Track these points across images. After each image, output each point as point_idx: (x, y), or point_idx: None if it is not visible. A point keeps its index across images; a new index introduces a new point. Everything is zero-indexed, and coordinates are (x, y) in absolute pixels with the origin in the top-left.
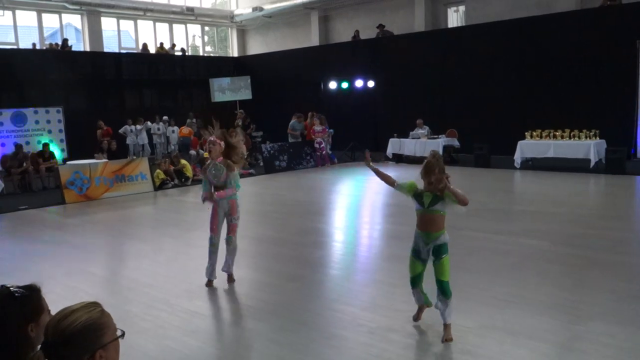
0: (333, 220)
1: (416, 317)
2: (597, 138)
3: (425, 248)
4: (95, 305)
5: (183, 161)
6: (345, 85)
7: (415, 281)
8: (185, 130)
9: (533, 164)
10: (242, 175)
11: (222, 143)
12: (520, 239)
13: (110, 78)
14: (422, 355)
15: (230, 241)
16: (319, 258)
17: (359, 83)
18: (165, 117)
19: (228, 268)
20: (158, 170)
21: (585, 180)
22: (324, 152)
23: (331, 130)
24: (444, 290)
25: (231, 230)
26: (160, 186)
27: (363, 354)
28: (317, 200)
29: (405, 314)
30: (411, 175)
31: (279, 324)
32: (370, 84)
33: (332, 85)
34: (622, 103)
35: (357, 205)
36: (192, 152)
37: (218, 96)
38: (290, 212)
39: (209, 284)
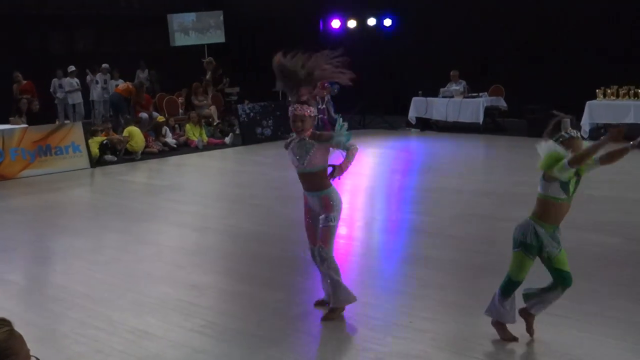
0: None
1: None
2: None
3: (552, 241)
4: (2, 323)
5: (131, 128)
6: (353, 24)
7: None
8: (122, 86)
9: (607, 133)
10: (210, 146)
11: (311, 109)
12: (587, 235)
13: (30, 13)
14: None
15: (322, 256)
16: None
17: (371, 22)
18: (105, 65)
19: (328, 297)
20: (94, 138)
21: None
22: (322, 116)
23: (336, 86)
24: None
25: (321, 238)
26: (99, 160)
27: None
28: None
29: (428, 335)
30: (445, 149)
31: (257, 348)
32: (388, 22)
33: (336, 24)
34: None
35: (367, 189)
36: (144, 114)
37: (179, 38)
38: (276, 198)
39: (320, 303)
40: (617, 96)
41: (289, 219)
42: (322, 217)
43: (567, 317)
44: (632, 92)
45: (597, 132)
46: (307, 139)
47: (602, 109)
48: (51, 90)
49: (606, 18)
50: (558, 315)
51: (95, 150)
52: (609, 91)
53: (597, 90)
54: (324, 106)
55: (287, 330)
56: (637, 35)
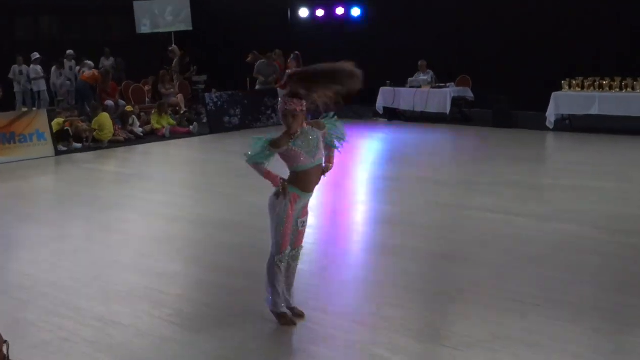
0: None
1: None
2: None
3: None
4: None
5: (101, 118)
6: (321, 13)
7: None
8: (88, 73)
9: (572, 124)
10: (177, 135)
11: (303, 104)
12: (550, 223)
13: None
14: None
15: (298, 256)
16: None
17: (340, 11)
18: (69, 52)
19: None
20: (58, 119)
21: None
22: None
23: None
24: None
25: (300, 239)
26: (59, 137)
27: None
28: (281, 170)
29: (394, 323)
30: (412, 139)
31: (226, 336)
32: (356, 12)
33: (304, 13)
34: None
35: (335, 178)
36: (109, 102)
37: (145, 27)
38: (244, 186)
39: (286, 320)
40: (582, 87)
41: (256, 207)
42: (303, 219)
43: (529, 303)
44: (597, 83)
45: (561, 122)
46: (310, 129)
47: (568, 99)
48: (10, 76)
49: (573, 9)
50: (520, 301)
51: (55, 128)
52: (574, 82)
53: (562, 82)
54: None
55: (254, 318)
56: (604, 27)
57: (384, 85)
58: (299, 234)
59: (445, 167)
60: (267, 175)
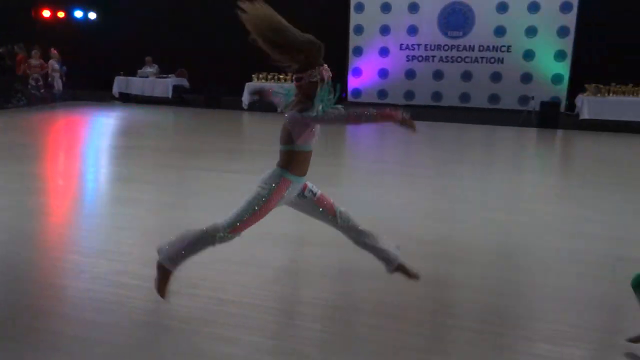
0: (50, 164)
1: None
2: None
3: None
4: None
5: None
6: (62, 15)
7: None
8: None
9: (260, 106)
10: None
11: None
12: (247, 176)
13: None
14: (150, 294)
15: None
16: (34, 206)
17: (78, 14)
18: None
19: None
20: None
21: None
22: (42, 91)
23: (63, 68)
24: None
25: (328, 202)
26: None
27: (84, 301)
28: (33, 142)
29: (132, 257)
30: (142, 117)
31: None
32: (92, 15)
33: (46, 14)
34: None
35: (81, 148)
36: None
37: None
38: None
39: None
40: (266, 79)
41: (8, 174)
42: (309, 188)
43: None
44: (276, 77)
45: (253, 104)
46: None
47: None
48: None
49: None
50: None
51: None
52: (261, 75)
53: (252, 75)
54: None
55: (13, 263)
56: None
57: (118, 74)
58: (320, 198)
59: (169, 138)
60: (382, 114)
